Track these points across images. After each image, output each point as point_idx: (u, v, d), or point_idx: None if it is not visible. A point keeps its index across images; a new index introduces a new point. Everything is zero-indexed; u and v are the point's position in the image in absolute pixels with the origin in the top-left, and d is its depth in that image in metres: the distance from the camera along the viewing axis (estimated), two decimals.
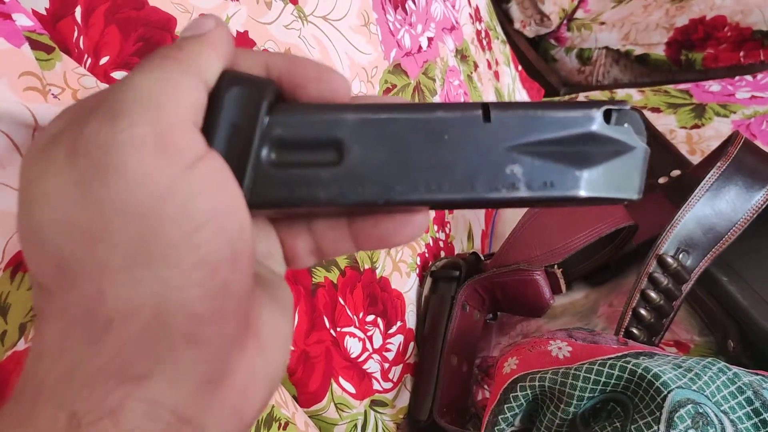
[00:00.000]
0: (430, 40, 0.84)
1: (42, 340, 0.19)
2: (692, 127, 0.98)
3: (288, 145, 0.22)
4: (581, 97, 1.15)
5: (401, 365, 0.68)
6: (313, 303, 0.57)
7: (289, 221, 0.25)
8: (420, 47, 0.81)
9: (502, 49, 1.10)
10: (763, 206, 0.67)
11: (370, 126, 0.22)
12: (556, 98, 1.19)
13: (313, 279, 0.58)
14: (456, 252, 0.81)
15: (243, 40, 0.53)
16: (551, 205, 0.24)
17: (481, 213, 0.89)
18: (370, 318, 0.64)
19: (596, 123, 0.23)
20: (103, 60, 0.41)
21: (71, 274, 0.18)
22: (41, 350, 0.19)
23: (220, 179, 0.20)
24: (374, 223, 0.24)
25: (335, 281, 0.60)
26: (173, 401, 0.19)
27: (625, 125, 0.23)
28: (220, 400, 0.20)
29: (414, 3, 0.82)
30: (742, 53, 1.21)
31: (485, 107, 0.23)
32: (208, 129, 0.21)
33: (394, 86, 0.74)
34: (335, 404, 0.59)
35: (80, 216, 0.18)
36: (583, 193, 0.23)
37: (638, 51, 1.32)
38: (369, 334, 0.64)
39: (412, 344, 0.70)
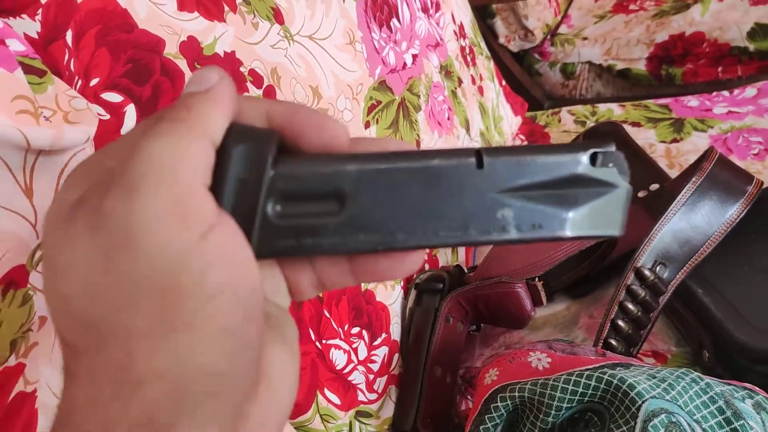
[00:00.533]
0: (414, 56, 0.85)
1: (73, 395, 0.20)
2: (671, 142, 1.00)
3: (292, 197, 0.23)
4: (564, 111, 1.17)
5: (386, 376, 0.69)
6: (299, 315, 0.58)
7: (293, 260, 0.26)
8: (405, 64, 0.83)
9: (486, 65, 1.12)
10: (737, 220, 0.69)
11: (370, 176, 0.23)
12: (539, 111, 1.22)
13: None
14: (440, 265, 0.83)
15: (230, 60, 0.54)
16: (539, 243, 0.26)
17: None
18: (355, 330, 0.65)
19: (582, 165, 0.24)
20: (94, 81, 0.42)
21: (99, 337, 0.20)
22: (74, 404, 0.20)
23: (232, 245, 0.21)
24: (374, 261, 0.25)
25: (321, 294, 0.61)
26: None
27: (610, 165, 0.24)
28: None
29: (399, 21, 0.83)
30: (720, 68, 1.24)
31: (478, 154, 0.24)
32: (216, 186, 0.22)
33: (379, 103, 0.75)
34: (321, 415, 0.60)
35: (105, 285, 0.20)
36: (568, 233, 0.24)
37: (620, 66, 1.35)
38: (354, 346, 0.65)
39: (396, 356, 0.72)
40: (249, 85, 0.56)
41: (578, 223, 0.24)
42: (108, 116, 0.43)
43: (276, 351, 0.24)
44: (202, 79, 0.23)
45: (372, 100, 0.74)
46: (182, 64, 0.49)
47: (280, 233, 0.23)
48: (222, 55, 0.53)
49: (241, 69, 0.55)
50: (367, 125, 0.72)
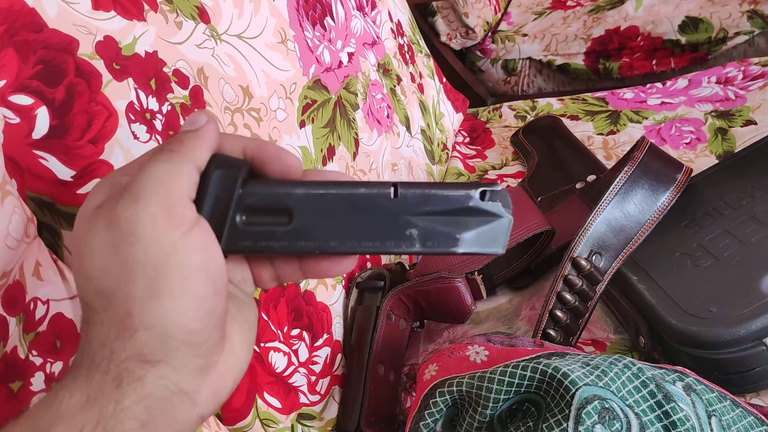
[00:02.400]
0: (350, 55, 0.85)
1: (89, 336, 0.30)
2: (608, 134, 1.02)
3: (254, 210, 0.32)
4: (505, 107, 1.18)
5: (329, 377, 0.68)
6: None
7: (258, 258, 0.35)
8: (340, 62, 0.82)
9: (426, 63, 1.13)
10: (669, 207, 0.71)
11: (312, 198, 0.32)
12: (481, 107, 1.22)
13: None
14: (383, 263, 0.82)
15: (152, 60, 0.53)
16: (438, 255, 0.37)
17: None
18: (295, 332, 0.64)
19: (473, 200, 0.32)
20: (0, 84, 0.41)
21: (108, 301, 0.29)
22: (89, 342, 0.29)
23: (206, 240, 0.30)
24: (316, 261, 0.35)
25: (257, 297, 0.60)
26: (176, 379, 0.30)
27: (497, 201, 0.32)
28: (206, 383, 0.31)
29: (333, 19, 0.83)
30: (654, 61, 1.27)
31: (395, 186, 0.32)
32: (199, 199, 0.31)
33: (314, 102, 0.74)
34: (261, 420, 0.59)
35: (114, 265, 0.29)
36: (460, 249, 0.32)
37: (559, 61, 1.37)
38: (294, 348, 0.64)
39: (339, 356, 0.71)
40: (174, 85, 0.55)
41: (468, 242, 0.32)
42: (17, 119, 0.42)
43: (237, 322, 0.33)
44: (193, 120, 0.32)
45: (307, 99, 0.73)
46: (99, 64, 0.48)
47: (243, 236, 0.32)
48: (143, 55, 0.52)
49: (165, 69, 0.54)
50: (302, 124, 0.71)
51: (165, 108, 0.53)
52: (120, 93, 0.49)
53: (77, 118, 0.45)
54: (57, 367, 0.43)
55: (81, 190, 0.45)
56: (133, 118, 0.50)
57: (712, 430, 0.50)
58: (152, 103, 0.52)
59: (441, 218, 0.32)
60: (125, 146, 0.49)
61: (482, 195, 0.32)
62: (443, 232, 0.32)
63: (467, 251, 0.32)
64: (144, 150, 0.50)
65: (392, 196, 0.32)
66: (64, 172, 0.44)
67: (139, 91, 0.51)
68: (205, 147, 0.32)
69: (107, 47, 0.48)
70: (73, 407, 0.28)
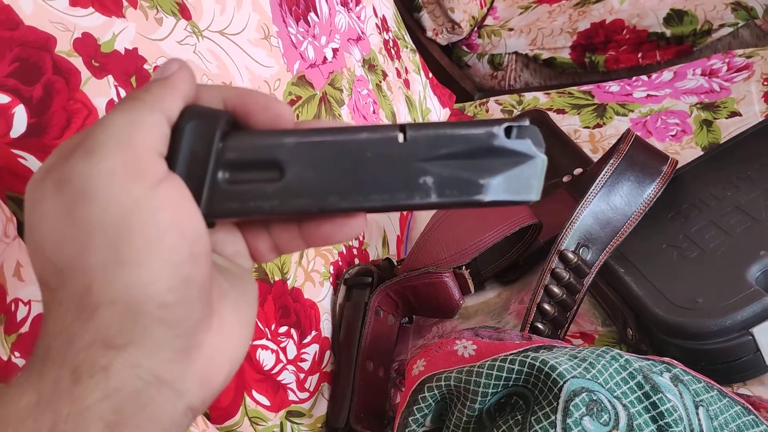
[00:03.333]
0: (335, 51, 0.85)
1: (47, 322, 0.25)
2: (594, 127, 1.02)
3: (238, 166, 0.27)
4: (491, 101, 1.18)
5: (318, 374, 0.68)
6: None
7: (251, 225, 0.30)
8: (325, 58, 0.82)
9: (411, 58, 1.12)
10: (655, 199, 0.71)
11: (305, 148, 0.27)
12: (467, 103, 1.22)
13: None
14: (371, 259, 0.82)
15: (132, 57, 0.52)
16: (459, 207, 0.29)
17: (396, 218, 0.91)
18: (282, 329, 0.64)
19: (498, 138, 0.27)
20: None
21: (65, 274, 0.24)
22: (47, 329, 0.25)
23: (178, 196, 0.25)
24: (317, 225, 0.29)
25: None
26: (152, 366, 0.24)
27: (526, 138, 0.27)
28: (191, 368, 0.26)
29: (317, 15, 0.82)
30: (640, 54, 1.27)
31: (402, 128, 0.27)
32: (170, 156, 0.26)
33: (299, 98, 0.74)
34: (249, 418, 0.58)
35: (69, 232, 0.24)
36: (486, 198, 0.27)
37: (545, 55, 1.37)
38: (282, 345, 0.64)
39: (328, 353, 0.71)
40: None
41: (495, 188, 0.27)
42: None
43: (231, 297, 0.28)
44: (164, 68, 0.27)
45: (291, 96, 0.73)
46: (77, 62, 0.47)
47: (227, 197, 0.27)
48: (123, 52, 0.51)
49: (146, 66, 0.53)
50: None
51: None
52: (100, 90, 0.48)
53: (56, 116, 0.44)
54: None
55: None
56: None
57: (699, 420, 0.50)
58: None
59: (460, 162, 0.27)
60: None
61: (508, 132, 0.27)
62: (464, 178, 0.27)
63: (495, 199, 0.27)
64: None
65: (400, 139, 0.27)
66: None
67: (120, 88, 0.50)
68: (176, 95, 0.26)
69: (86, 44, 0.48)
70: (22, 410, 0.23)
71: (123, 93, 0.50)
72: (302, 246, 0.30)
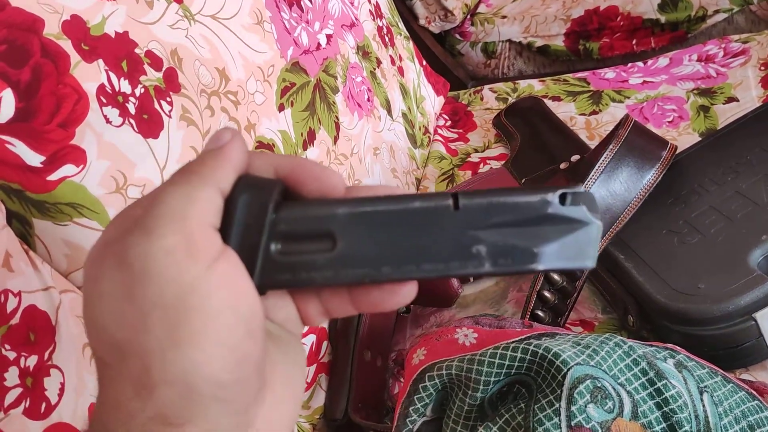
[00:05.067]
0: (329, 37, 0.83)
1: (104, 397, 0.25)
2: (591, 114, 1.01)
3: (291, 237, 0.27)
4: (486, 89, 1.17)
5: (315, 365, 0.67)
6: None
7: (302, 291, 0.30)
8: (319, 44, 0.80)
9: (405, 45, 1.11)
10: (654, 185, 0.70)
11: (357, 218, 0.27)
12: (461, 90, 1.21)
13: None
14: None
15: (123, 41, 0.51)
16: (512, 275, 0.28)
17: None
18: None
19: (552, 206, 0.26)
20: None
21: (123, 352, 0.24)
22: (104, 404, 0.25)
23: (233, 274, 0.25)
24: (367, 291, 0.28)
25: None
26: None
27: (581, 205, 0.27)
28: None
29: (310, 0, 0.81)
30: (634, 41, 1.26)
31: (455, 197, 0.27)
32: (224, 229, 0.26)
33: (293, 84, 0.73)
34: None
35: (127, 312, 0.24)
36: (540, 266, 0.27)
37: (539, 43, 1.35)
38: None
39: (325, 343, 0.70)
40: (147, 67, 0.53)
41: (549, 256, 0.26)
42: None
43: (281, 367, 0.28)
44: (217, 138, 0.28)
45: (285, 82, 0.71)
46: (66, 45, 0.45)
47: (280, 268, 0.27)
48: (113, 35, 0.50)
49: (137, 51, 0.52)
50: (281, 108, 0.70)
51: (138, 90, 0.51)
52: (90, 75, 0.47)
53: (45, 100, 0.43)
54: (32, 360, 0.41)
55: (51, 176, 0.44)
56: (104, 101, 0.48)
57: (704, 406, 0.50)
58: (124, 86, 0.50)
59: (513, 230, 0.27)
60: (97, 130, 0.47)
61: (562, 198, 0.26)
62: (518, 247, 0.27)
63: (550, 267, 0.27)
64: (117, 134, 0.48)
65: (452, 208, 0.27)
66: (33, 158, 0.43)
67: (110, 73, 0.49)
68: (229, 166, 0.27)
69: (75, 27, 0.46)
70: None
71: (114, 77, 0.49)
72: (352, 311, 0.30)
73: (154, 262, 0.24)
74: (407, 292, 0.28)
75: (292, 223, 0.27)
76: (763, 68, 0.96)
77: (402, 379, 0.71)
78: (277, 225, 0.27)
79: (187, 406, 0.24)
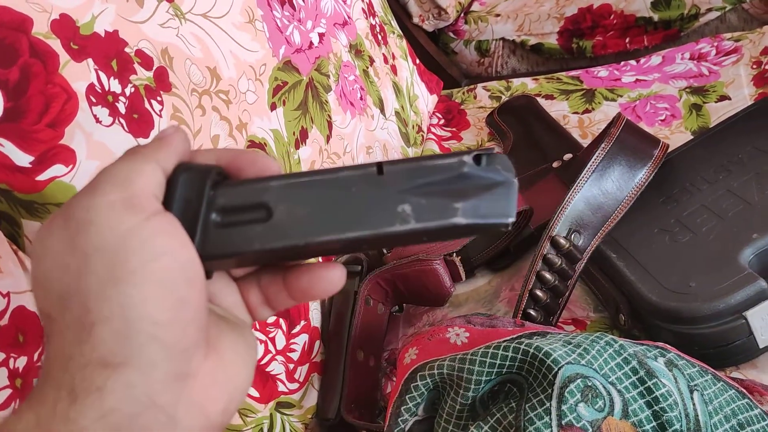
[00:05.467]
0: (321, 35, 0.83)
1: (47, 350, 0.26)
2: (583, 112, 1.01)
3: (228, 209, 0.29)
4: (479, 88, 1.17)
5: (307, 364, 0.67)
6: None
7: (245, 279, 0.32)
8: (311, 43, 0.80)
9: (398, 43, 1.11)
10: (646, 183, 0.70)
11: (290, 189, 0.29)
12: (455, 89, 1.21)
13: None
14: None
15: (113, 40, 0.51)
16: (439, 235, 0.30)
17: None
18: (271, 319, 0.63)
19: (467, 165, 0.29)
20: None
21: (66, 300, 0.25)
22: (47, 356, 0.26)
23: (172, 227, 0.27)
24: (297, 276, 0.31)
25: None
26: (146, 388, 0.25)
27: (495, 165, 0.29)
28: (187, 395, 0.26)
29: None
30: (627, 39, 1.26)
31: (379, 165, 0.29)
32: (166, 203, 0.28)
33: (285, 83, 0.72)
34: (238, 410, 0.57)
35: (70, 260, 0.25)
36: (461, 220, 0.28)
37: (533, 41, 1.36)
38: (271, 335, 0.62)
39: (318, 342, 0.70)
40: (137, 66, 0.52)
41: (469, 211, 0.28)
42: None
43: (229, 336, 0.29)
44: (162, 132, 0.30)
45: (277, 81, 0.71)
46: (55, 44, 0.45)
47: (219, 239, 0.29)
48: (103, 34, 0.50)
49: (127, 50, 0.52)
50: (273, 107, 0.69)
51: (128, 90, 0.51)
52: (79, 74, 0.47)
53: (33, 100, 0.43)
54: (21, 362, 0.41)
55: (40, 177, 0.43)
56: (94, 100, 0.47)
57: (694, 404, 0.50)
58: (114, 85, 0.50)
59: (435, 188, 0.28)
60: (87, 130, 0.47)
61: (476, 160, 0.29)
62: (439, 203, 0.28)
63: (470, 222, 0.28)
64: (107, 134, 0.48)
65: (377, 173, 0.29)
66: (22, 158, 0.42)
67: (100, 72, 0.49)
68: (171, 150, 0.29)
69: (64, 26, 0.46)
70: None
71: (104, 77, 0.49)
72: (288, 300, 0.32)
73: (96, 213, 0.26)
74: (336, 278, 0.30)
75: (229, 196, 0.29)
76: (755, 66, 0.96)
77: (395, 379, 0.71)
78: (215, 199, 0.29)
79: (124, 343, 0.25)
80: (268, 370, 0.61)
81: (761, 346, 0.59)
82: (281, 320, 0.64)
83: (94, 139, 0.47)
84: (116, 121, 0.49)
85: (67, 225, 0.26)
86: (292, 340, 0.65)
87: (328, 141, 0.78)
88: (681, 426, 0.48)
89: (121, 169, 0.27)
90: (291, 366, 0.64)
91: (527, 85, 1.13)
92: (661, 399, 0.48)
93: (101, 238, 0.25)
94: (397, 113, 1.00)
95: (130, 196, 0.26)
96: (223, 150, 0.31)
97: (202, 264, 0.28)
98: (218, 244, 0.29)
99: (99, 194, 0.26)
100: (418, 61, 1.18)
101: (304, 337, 0.67)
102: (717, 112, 0.91)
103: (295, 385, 0.65)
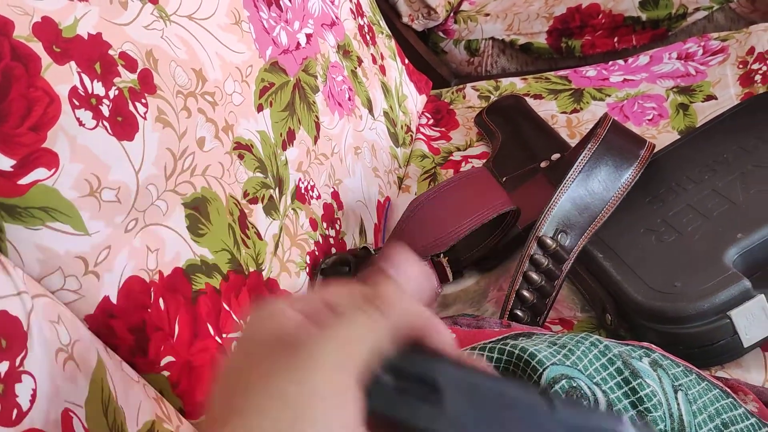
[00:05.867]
0: (308, 36, 0.83)
1: None
2: (572, 112, 1.01)
3: (402, 375, 0.28)
4: (468, 87, 1.17)
5: None
6: (195, 311, 0.55)
7: None
8: (298, 44, 0.80)
9: (387, 43, 1.11)
10: (632, 184, 0.71)
11: (462, 380, 0.28)
12: (444, 89, 1.21)
13: (193, 286, 0.56)
14: (348, 248, 0.81)
15: (96, 43, 0.50)
16: None
17: (373, 206, 0.90)
18: None
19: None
20: None
21: None
22: None
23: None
24: None
25: (218, 287, 0.58)
26: None
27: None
28: None
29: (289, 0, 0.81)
30: (616, 39, 1.27)
31: (551, 401, 0.29)
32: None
33: (272, 84, 0.72)
34: None
35: None
36: None
37: (522, 40, 1.36)
38: None
39: None
40: (121, 69, 0.52)
41: None
42: None
43: None
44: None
45: (264, 83, 0.71)
46: (37, 47, 0.45)
47: (390, 401, 0.28)
48: (86, 37, 0.49)
49: (110, 52, 0.51)
50: (260, 108, 0.69)
51: (112, 93, 0.51)
52: (62, 77, 0.46)
53: (15, 103, 0.42)
54: (3, 367, 0.40)
55: (22, 180, 0.43)
56: (77, 103, 0.47)
57: (678, 404, 0.50)
58: (98, 88, 0.49)
59: None
60: (70, 133, 0.46)
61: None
62: None
63: None
64: (90, 137, 0.48)
65: (547, 407, 0.29)
66: (3, 162, 0.42)
67: (83, 75, 0.48)
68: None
69: (46, 29, 0.46)
70: None
71: (87, 80, 0.49)
72: None
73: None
74: None
75: (404, 361, 0.29)
76: (741, 66, 0.97)
77: None
78: (391, 358, 0.28)
79: None
80: None
81: (746, 346, 0.59)
82: None
83: (78, 143, 0.47)
84: (100, 123, 0.49)
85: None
86: None
87: (315, 142, 0.78)
88: (665, 426, 0.48)
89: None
90: None
91: (516, 84, 1.13)
92: (645, 399, 0.48)
93: None
94: (385, 113, 1.00)
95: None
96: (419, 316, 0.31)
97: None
98: (388, 405, 0.28)
99: None
100: (407, 61, 1.18)
101: None
102: (704, 112, 0.92)
103: None
